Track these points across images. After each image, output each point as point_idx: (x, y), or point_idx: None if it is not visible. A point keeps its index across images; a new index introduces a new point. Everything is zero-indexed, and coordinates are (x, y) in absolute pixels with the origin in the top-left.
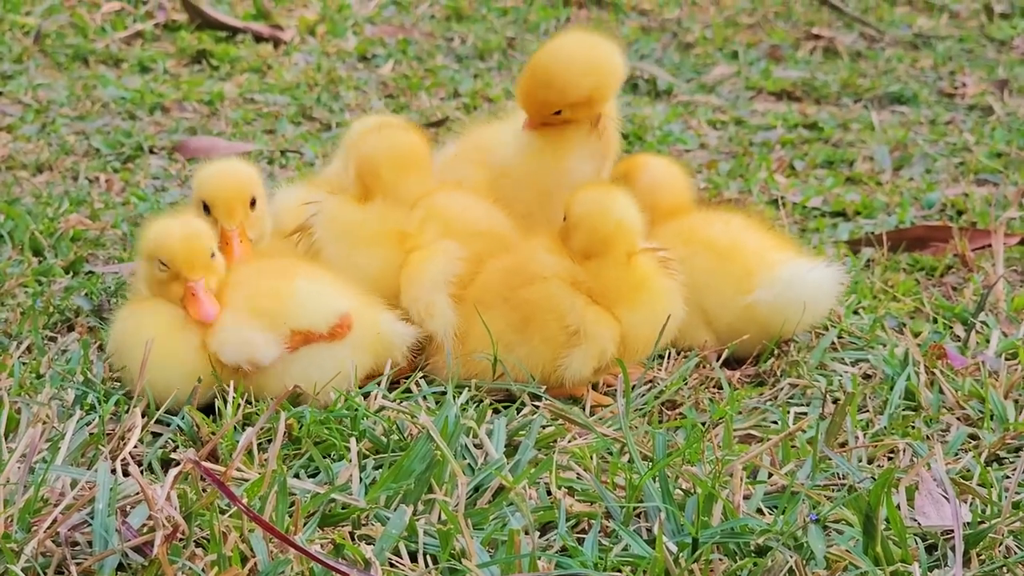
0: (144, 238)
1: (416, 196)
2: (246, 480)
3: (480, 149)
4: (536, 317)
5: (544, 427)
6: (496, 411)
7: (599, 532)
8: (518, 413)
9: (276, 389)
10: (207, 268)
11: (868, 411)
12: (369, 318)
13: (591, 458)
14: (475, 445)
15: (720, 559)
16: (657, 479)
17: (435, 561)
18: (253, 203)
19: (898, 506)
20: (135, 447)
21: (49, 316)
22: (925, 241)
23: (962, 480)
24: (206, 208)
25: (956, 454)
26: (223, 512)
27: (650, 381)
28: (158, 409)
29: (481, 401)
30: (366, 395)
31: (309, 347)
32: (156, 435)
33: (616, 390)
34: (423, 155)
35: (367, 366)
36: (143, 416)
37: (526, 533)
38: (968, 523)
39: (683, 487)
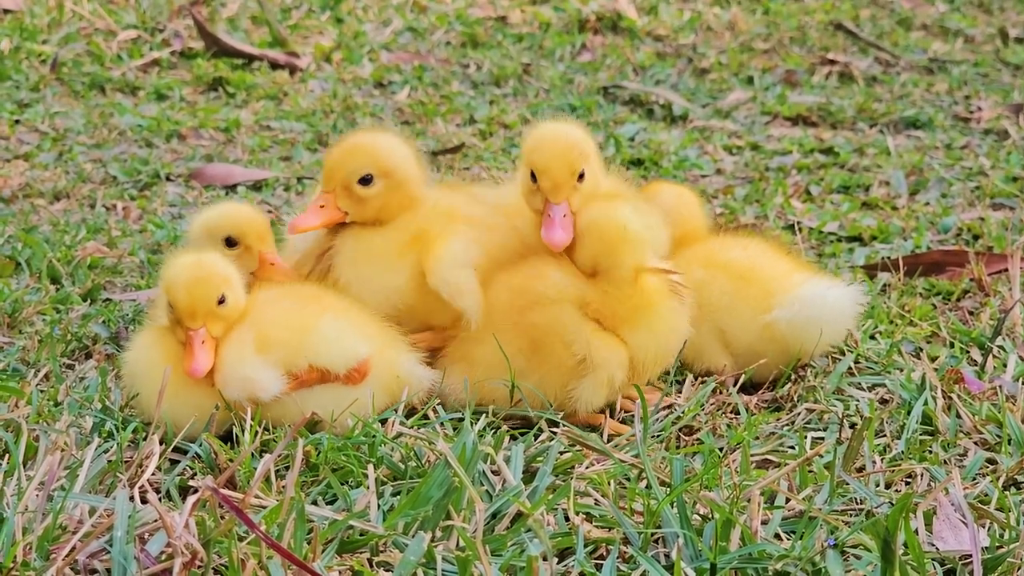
0: (162, 274)
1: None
2: (264, 507)
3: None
4: (545, 343)
5: (562, 453)
6: (513, 438)
7: (617, 558)
8: (535, 439)
9: (293, 417)
10: (210, 315)
11: (885, 436)
12: (389, 359)
13: (609, 484)
14: (493, 471)
15: None
16: (675, 505)
17: None
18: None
19: (916, 531)
20: (153, 474)
21: (67, 344)
22: (941, 266)
23: (980, 505)
24: (230, 242)
25: (974, 479)
26: (241, 539)
27: (667, 407)
28: (175, 437)
29: (498, 428)
30: (383, 422)
31: (324, 385)
32: (174, 462)
33: (633, 416)
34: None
35: (384, 405)
36: (161, 443)
37: (544, 559)
38: (986, 548)
39: (701, 512)
